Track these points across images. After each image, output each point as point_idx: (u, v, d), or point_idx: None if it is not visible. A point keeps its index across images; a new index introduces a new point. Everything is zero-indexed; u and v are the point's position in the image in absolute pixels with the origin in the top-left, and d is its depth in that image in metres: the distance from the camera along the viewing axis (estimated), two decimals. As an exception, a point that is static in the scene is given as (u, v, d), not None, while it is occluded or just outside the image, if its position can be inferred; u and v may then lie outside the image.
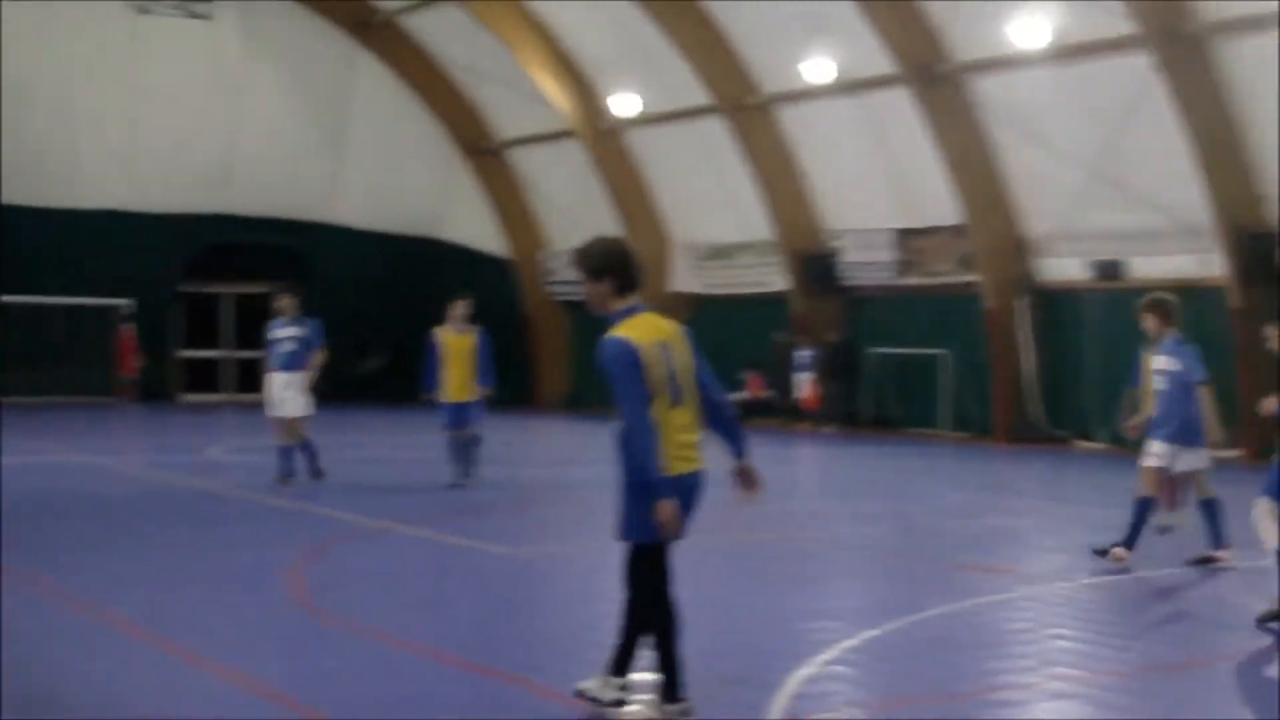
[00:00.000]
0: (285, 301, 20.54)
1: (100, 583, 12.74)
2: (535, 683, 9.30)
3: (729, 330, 38.42)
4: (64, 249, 39.54)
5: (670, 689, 8.25)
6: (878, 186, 33.53)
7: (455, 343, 20.23)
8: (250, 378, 43.24)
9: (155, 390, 40.83)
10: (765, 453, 29.05)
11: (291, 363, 20.20)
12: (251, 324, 43.71)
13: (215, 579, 13.16)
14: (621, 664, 8.44)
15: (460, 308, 20.36)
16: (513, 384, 40.98)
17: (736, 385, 37.41)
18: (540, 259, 43.40)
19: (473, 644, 10.49)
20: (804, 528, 17.85)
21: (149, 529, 16.31)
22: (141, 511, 17.68)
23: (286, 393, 20.13)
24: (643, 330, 8.18)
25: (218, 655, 9.88)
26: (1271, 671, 10.18)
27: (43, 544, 14.77)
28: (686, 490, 8.13)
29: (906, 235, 33.61)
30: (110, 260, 39.85)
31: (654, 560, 8.30)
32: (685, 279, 39.15)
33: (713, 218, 38.19)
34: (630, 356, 8.01)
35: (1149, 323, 14.04)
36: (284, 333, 20.33)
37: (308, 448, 20.35)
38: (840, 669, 9.72)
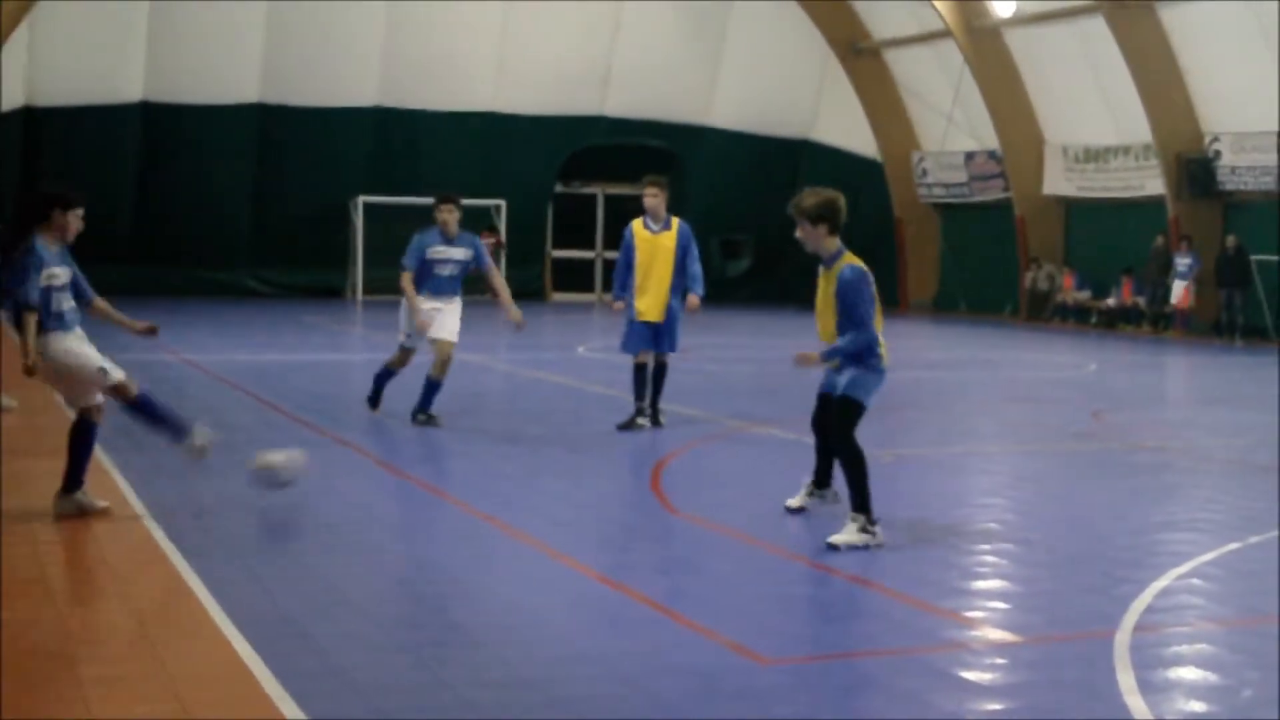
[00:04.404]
0: (447, 214, 16.41)
1: (461, 476, 13.28)
2: (877, 583, 9.50)
3: (1100, 234, 37.90)
4: (441, 151, 40.77)
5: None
6: (1263, 88, 32.46)
7: (650, 243, 16.22)
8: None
9: (527, 289, 41.66)
10: (1134, 359, 29.11)
11: (454, 288, 16.46)
12: (623, 225, 44.58)
13: (571, 472, 13.68)
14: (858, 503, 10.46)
15: (651, 194, 16.28)
16: (880, 286, 41.02)
17: (1108, 290, 36.86)
18: (911, 160, 43.17)
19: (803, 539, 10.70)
20: (1167, 437, 17.63)
21: (513, 424, 16.90)
22: (508, 407, 18.17)
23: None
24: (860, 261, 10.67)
25: (568, 544, 10.33)
26: None
27: (402, 438, 15.43)
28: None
29: (1292, 138, 32.56)
30: (485, 162, 40.90)
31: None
32: (1057, 182, 38.56)
33: (1088, 120, 37.49)
34: (872, 283, 10.61)
35: None
36: (447, 253, 16.38)
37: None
38: (1196, 582, 9.64)
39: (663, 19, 42.26)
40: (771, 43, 43.36)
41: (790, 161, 43.80)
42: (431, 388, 16.26)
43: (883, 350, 10.62)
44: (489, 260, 16.71)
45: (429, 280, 16.27)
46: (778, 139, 44.53)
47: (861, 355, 10.56)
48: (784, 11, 43.25)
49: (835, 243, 10.66)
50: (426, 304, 16.20)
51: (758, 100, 43.89)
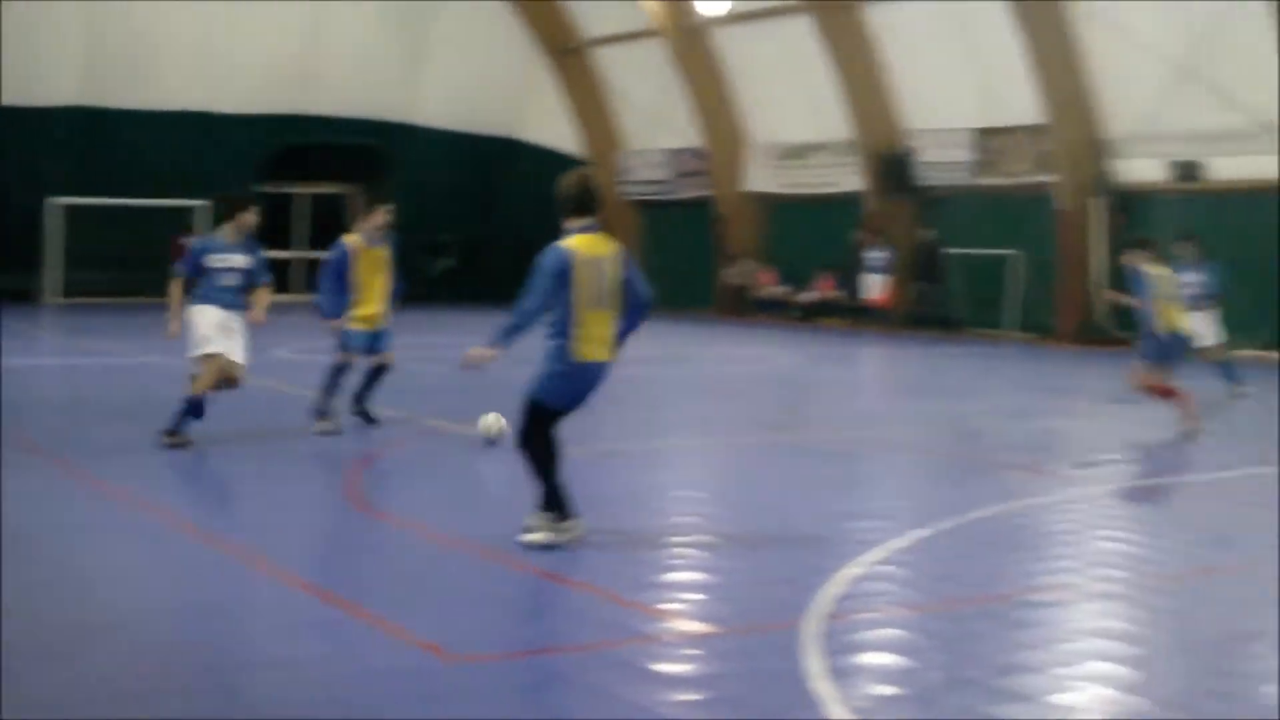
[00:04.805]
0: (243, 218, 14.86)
1: (158, 480, 12.93)
2: (570, 579, 9.49)
3: (803, 230, 38.51)
4: (140, 151, 39.77)
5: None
6: (959, 86, 33.37)
7: (371, 256, 15.99)
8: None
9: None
10: (830, 352, 29.63)
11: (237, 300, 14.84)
12: (326, 225, 44.01)
13: (270, 476, 13.40)
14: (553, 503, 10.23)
15: (381, 215, 16.07)
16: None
17: (807, 285, 37.46)
18: (616, 159, 43.37)
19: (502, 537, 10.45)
20: (859, 428, 17.98)
21: (211, 427, 16.45)
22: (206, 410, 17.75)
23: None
24: (584, 244, 10.16)
25: (262, 550, 10.07)
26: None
27: (100, 443, 14.94)
28: (594, 374, 10.39)
29: (984, 135, 33.49)
30: (186, 162, 39.99)
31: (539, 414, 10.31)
32: (761, 179, 39.09)
33: (791, 118, 38.12)
34: (562, 263, 10.02)
35: None
36: (227, 260, 14.75)
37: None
38: (888, 569, 9.80)
39: (366, 15, 41.83)
40: (478, 40, 43.28)
41: (497, 160, 43.74)
42: (192, 407, 14.78)
43: (584, 344, 10.19)
44: (267, 275, 15.20)
45: (211, 290, 14.65)
46: (484, 137, 44.42)
47: (551, 350, 10.17)
48: (491, 9, 43.16)
49: (570, 224, 10.35)
50: (213, 315, 14.69)
51: (465, 98, 43.71)
